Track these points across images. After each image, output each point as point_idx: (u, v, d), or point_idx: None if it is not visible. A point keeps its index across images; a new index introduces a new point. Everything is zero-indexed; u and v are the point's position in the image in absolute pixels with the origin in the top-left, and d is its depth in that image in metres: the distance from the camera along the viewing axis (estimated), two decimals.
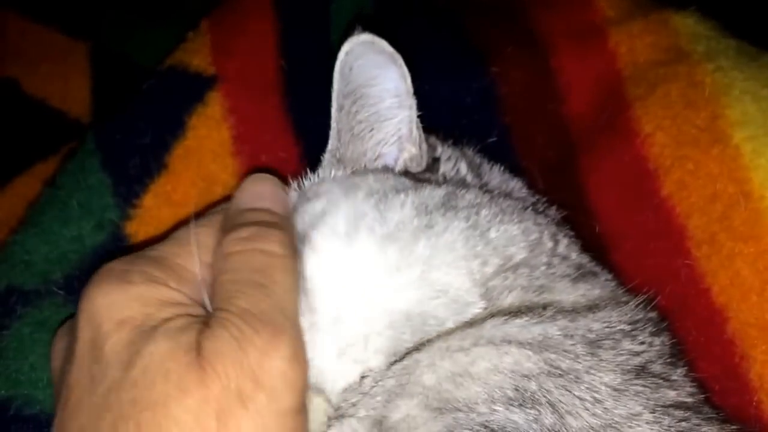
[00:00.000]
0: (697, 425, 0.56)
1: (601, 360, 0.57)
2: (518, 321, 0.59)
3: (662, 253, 0.73)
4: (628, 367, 0.57)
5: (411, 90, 0.67)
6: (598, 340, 0.58)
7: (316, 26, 0.94)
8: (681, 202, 0.72)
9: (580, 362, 0.57)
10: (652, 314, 0.64)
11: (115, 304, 0.54)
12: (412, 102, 0.67)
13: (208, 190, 0.83)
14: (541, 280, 0.63)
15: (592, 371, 0.56)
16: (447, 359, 0.58)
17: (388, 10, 0.99)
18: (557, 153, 0.84)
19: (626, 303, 0.63)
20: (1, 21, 1.21)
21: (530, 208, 0.70)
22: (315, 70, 0.91)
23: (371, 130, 0.69)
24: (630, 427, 0.54)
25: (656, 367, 0.59)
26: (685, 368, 0.63)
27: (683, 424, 0.55)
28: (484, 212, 0.64)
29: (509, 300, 0.62)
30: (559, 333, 0.58)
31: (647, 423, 0.54)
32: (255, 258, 0.57)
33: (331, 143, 0.71)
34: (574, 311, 0.60)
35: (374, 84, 0.67)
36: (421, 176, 0.70)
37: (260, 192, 0.64)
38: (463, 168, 0.74)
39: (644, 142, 0.76)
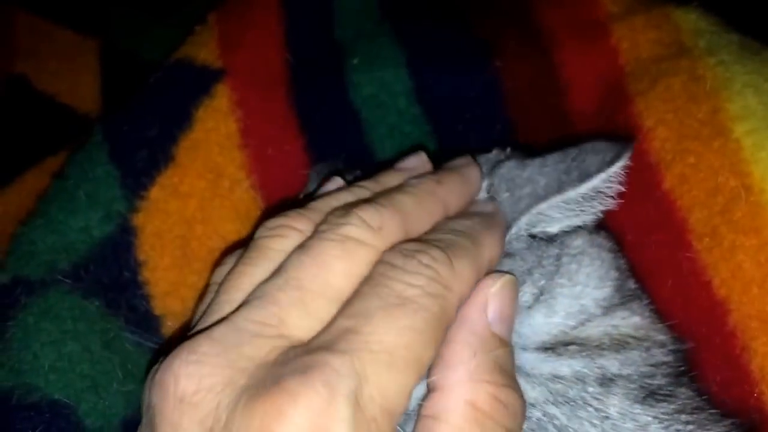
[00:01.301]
0: (704, 425, 0.57)
1: (611, 391, 0.58)
2: (533, 356, 0.61)
3: (663, 246, 0.73)
4: (638, 395, 0.59)
5: None
6: (612, 379, 0.59)
7: (320, 20, 0.95)
8: (682, 195, 0.72)
9: (588, 392, 0.58)
10: (674, 352, 0.66)
11: None
12: None
13: (215, 182, 0.84)
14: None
15: (601, 396, 0.58)
16: None
17: (392, 4, 1.00)
18: (560, 147, 0.85)
19: (655, 342, 0.64)
20: (11, 18, 1.23)
21: None
22: (319, 63, 0.92)
23: None
24: None
25: (663, 391, 0.60)
26: (689, 381, 0.64)
27: (690, 427, 0.56)
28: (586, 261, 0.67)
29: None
30: (569, 374, 0.59)
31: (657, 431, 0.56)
32: None
33: None
34: (597, 347, 0.61)
35: None
36: None
37: (508, 314, 0.54)
38: None
39: (646, 136, 0.76)
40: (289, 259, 0.49)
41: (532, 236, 0.67)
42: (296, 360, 0.43)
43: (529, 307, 0.62)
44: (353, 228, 0.49)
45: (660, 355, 0.64)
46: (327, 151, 0.87)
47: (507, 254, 0.62)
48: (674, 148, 0.74)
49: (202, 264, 0.84)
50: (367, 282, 0.48)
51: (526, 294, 0.61)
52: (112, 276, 0.79)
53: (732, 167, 0.69)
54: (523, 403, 0.50)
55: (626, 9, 0.87)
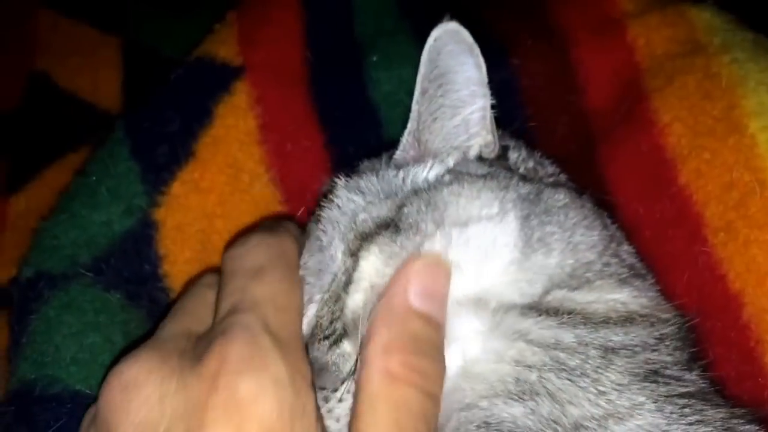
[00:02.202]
0: (701, 410, 0.57)
1: (612, 363, 0.59)
2: (535, 320, 0.62)
3: (679, 241, 0.74)
4: (639, 371, 0.59)
5: (486, 80, 0.70)
6: (615, 349, 0.60)
7: (339, 18, 0.96)
8: (698, 190, 0.73)
9: (589, 363, 0.59)
10: (679, 325, 0.66)
11: None
12: (486, 91, 0.70)
13: (235, 177, 0.86)
14: (593, 279, 0.66)
15: (600, 370, 0.58)
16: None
17: (411, 2, 1.01)
18: (577, 144, 0.86)
19: (659, 320, 0.65)
20: (33, 15, 1.24)
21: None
22: (339, 61, 0.93)
23: (452, 116, 0.71)
24: (632, 416, 0.56)
25: (669, 371, 0.61)
26: (700, 369, 0.64)
27: (686, 410, 0.57)
28: (571, 214, 0.68)
29: (550, 297, 0.64)
30: (573, 340, 0.61)
31: (650, 411, 0.56)
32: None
33: (411, 124, 0.72)
34: (603, 322, 0.62)
35: (458, 71, 0.69)
36: (501, 163, 0.73)
37: (435, 290, 0.61)
38: (527, 156, 0.77)
39: (662, 132, 0.77)
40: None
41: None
42: (212, 332, 0.58)
43: (525, 246, 0.64)
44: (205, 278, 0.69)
45: (665, 329, 0.64)
46: (346, 147, 0.88)
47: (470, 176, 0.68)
48: (690, 144, 0.74)
49: (221, 258, 0.85)
50: (225, 274, 0.64)
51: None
52: (133, 269, 0.81)
53: (747, 163, 0.70)
54: (442, 369, 0.58)
55: (642, 7, 0.88)
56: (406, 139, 0.73)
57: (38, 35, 1.23)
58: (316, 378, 0.61)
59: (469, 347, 0.61)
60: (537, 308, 0.63)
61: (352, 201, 0.70)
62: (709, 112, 0.74)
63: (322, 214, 0.72)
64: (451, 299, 0.62)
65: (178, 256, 0.83)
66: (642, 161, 0.78)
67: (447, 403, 0.59)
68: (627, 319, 0.64)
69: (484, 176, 0.68)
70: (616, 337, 0.61)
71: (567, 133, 0.87)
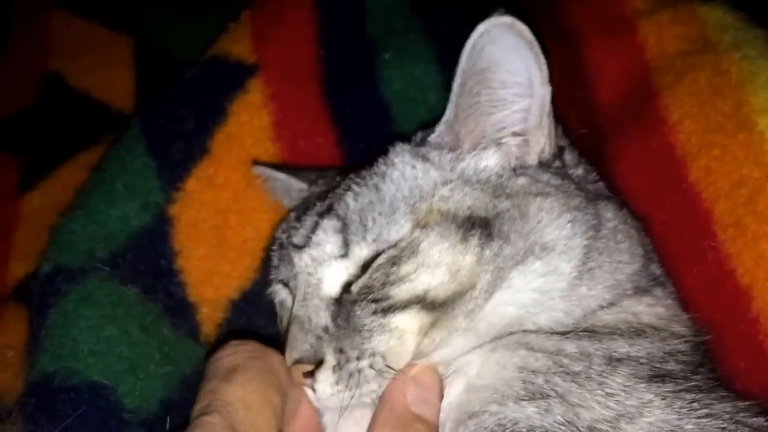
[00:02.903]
0: (709, 404, 0.58)
1: (616, 370, 0.60)
2: (536, 335, 0.64)
3: (689, 236, 0.74)
4: (644, 375, 0.60)
5: (542, 79, 0.67)
6: (620, 359, 0.62)
7: (352, 16, 0.97)
8: (707, 187, 0.73)
9: (593, 369, 0.60)
10: (692, 342, 0.67)
11: None
12: (539, 91, 0.68)
13: (249, 174, 0.87)
14: (618, 301, 0.68)
15: (605, 375, 0.60)
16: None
17: (422, 1, 1.02)
18: (586, 140, 0.86)
19: (672, 334, 0.66)
20: (46, 16, 1.26)
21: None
22: (351, 58, 0.94)
23: (490, 114, 0.70)
24: (642, 415, 0.57)
25: (675, 375, 0.62)
26: (709, 373, 0.65)
27: (695, 405, 0.58)
28: (620, 237, 0.71)
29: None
30: (575, 350, 0.62)
31: (659, 408, 0.57)
32: None
33: (448, 114, 0.71)
34: (609, 333, 0.64)
35: (502, 69, 0.67)
36: (560, 170, 0.73)
37: (428, 396, 0.64)
38: (577, 160, 0.78)
39: (672, 130, 0.77)
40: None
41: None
42: None
43: (577, 277, 0.66)
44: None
45: (676, 344, 0.65)
46: (358, 144, 0.89)
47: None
48: (700, 141, 0.75)
49: (236, 253, 0.86)
50: (204, 376, 0.64)
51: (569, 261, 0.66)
52: (148, 264, 0.82)
53: (756, 159, 0.70)
54: None
55: (653, 5, 0.88)
56: (441, 127, 0.72)
57: (51, 36, 1.24)
58: (340, 337, 0.63)
59: (471, 367, 0.63)
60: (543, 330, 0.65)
61: (414, 167, 0.70)
62: (719, 109, 0.74)
63: (380, 166, 0.72)
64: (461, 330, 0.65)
65: (193, 252, 0.84)
66: (652, 158, 0.79)
67: (454, 415, 0.60)
68: (637, 332, 0.65)
69: (557, 189, 0.69)
70: (622, 348, 0.63)
71: (576, 130, 0.88)
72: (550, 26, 0.91)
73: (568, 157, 0.76)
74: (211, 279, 0.85)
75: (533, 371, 0.60)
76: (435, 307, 0.64)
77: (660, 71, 0.83)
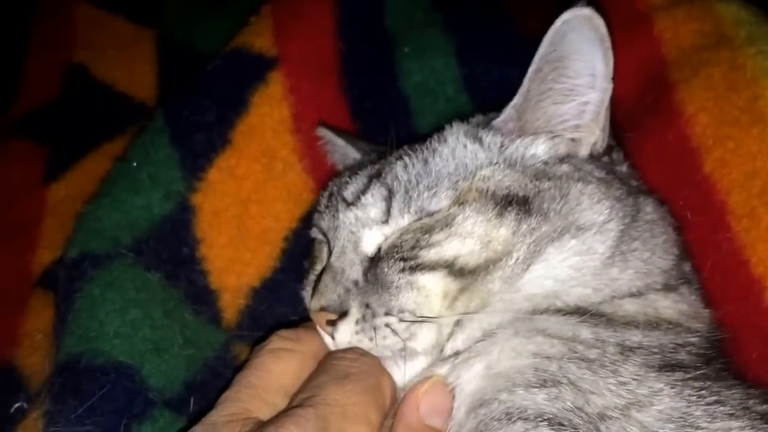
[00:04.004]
0: (718, 392, 0.59)
1: (629, 359, 0.61)
2: (556, 319, 0.65)
3: (704, 228, 0.75)
4: (655, 364, 0.61)
5: (610, 75, 0.69)
6: (633, 348, 0.62)
7: (371, 10, 0.99)
8: (722, 178, 0.74)
9: (607, 356, 0.61)
10: (708, 338, 0.67)
11: None
12: (606, 86, 0.70)
13: (269, 164, 0.89)
14: (646, 292, 0.69)
15: (618, 363, 0.60)
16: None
17: None
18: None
19: (688, 329, 0.67)
20: (71, 9, 1.28)
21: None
22: (370, 52, 0.96)
23: (560, 103, 0.71)
24: (652, 403, 0.57)
25: (685, 365, 0.62)
26: (721, 365, 0.65)
27: (704, 392, 0.58)
28: (657, 231, 0.71)
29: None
30: (591, 336, 0.63)
31: (669, 396, 0.58)
32: None
33: (517, 99, 0.72)
34: (625, 324, 0.65)
35: (578, 59, 0.69)
36: (607, 165, 0.74)
37: (440, 407, 0.65)
38: (623, 159, 0.78)
39: (687, 123, 0.78)
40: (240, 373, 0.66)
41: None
42: (269, 422, 0.58)
43: (609, 257, 0.67)
44: (277, 341, 0.67)
45: (689, 338, 0.66)
46: (376, 137, 0.90)
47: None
48: (715, 133, 0.76)
49: (256, 242, 0.88)
50: (316, 370, 0.65)
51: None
52: (171, 251, 0.84)
53: None
54: None
55: (669, 1, 0.89)
56: (509, 111, 0.73)
57: (76, 29, 1.27)
58: (368, 292, 0.66)
59: (490, 354, 0.64)
60: (566, 310, 0.66)
61: (466, 147, 0.72)
62: (734, 103, 0.75)
63: (433, 142, 0.73)
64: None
65: (215, 240, 0.86)
66: (668, 151, 0.80)
67: (468, 402, 0.61)
68: (653, 325, 0.66)
69: (600, 180, 0.70)
70: (635, 337, 0.63)
71: None
72: None
73: (615, 155, 0.77)
74: (232, 267, 0.87)
75: (547, 357, 0.61)
76: (464, 273, 0.65)
77: (676, 65, 0.83)
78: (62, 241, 0.87)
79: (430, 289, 0.66)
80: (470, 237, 0.66)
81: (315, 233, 0.79)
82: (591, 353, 0.61)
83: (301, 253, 0.86)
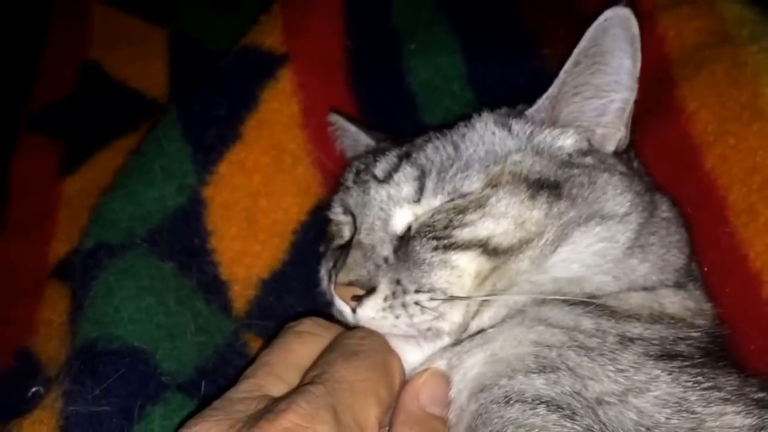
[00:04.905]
0: (714, 378, 0.61)
1: (628, 348, 0.63)
2: (560, 309, 0.66)
3: (705, 223, 0.77)
4: (653, 354, 0.63)
5: (638, 75, 0.72)
6: (632, 339, 0.64)
7: (379, 8, 1.01)
8: (722, 174, 0.75)
9: (606, 345, 0.63)
10: (709, 334, 0.69)
11: None
12: (635, 86, 0.73)
13: (278, 158, 0.91)
14: (659, 287, 0.71)
15: (618, 352, 0.62)
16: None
17: None
18: None
19: (690, 324, 0.68)
20: (86, 8, 1.31)
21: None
22: (377, 49, 0.98)
23: (594, 96, 0.74)
24: (649, 389, 0.59)
25: (683, 355, 0.64)
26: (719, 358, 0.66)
27: (700, 378, 0.60)
28: (673, 229, 0.74)
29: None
30: (592, 326, 0.65)
31: (666, 383, 0.60)
32: None
33: (552, 90, 0.74)
34: (627, 317, 0.66)
35: (615, 56, 0.72)
36: (628, 162, 0.77)
37: (439, 396, 0.67)
38: (635, 155, 0.81)
39: (689, 119, 0.80)
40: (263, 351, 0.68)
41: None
42: (281, 398, 0.59)
43: (630, 248, 0.70)
44: (307, 324, 0.69)
45: (690, 332, 0.67)
46: (384, 131, 0.92)
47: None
48: (716, 130, 0.77)
49: (266, 234, 0.90)
50: (326, 348, 0.66)
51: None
52: (183, 243, 0.86)
53: None
54: None
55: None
56: (543, 101, 0.75)
57: (91, 27, 1.29)
58: (398, 269, 0.67)
59: (495, 342, 0.66)
60: (573, 300, 0.67)
61: (494, 133, 0.74)
62: (736, 99, 0.77)
63: (460, 128, 0.76)
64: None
65: (225, 232, 0.88)
66: (670, 146, 0.81)
67: (471, 386, 0.63)
68: (655, 318, 0.67)
69: (623, 174, 0.73)
70: (636, 329, 0.65)
71: None
72: (568, 19, 0.94)
73: (631, 153, 0.80)
74: (242, 258, 0.89)
75: (547, 346, 0.63)
76: (497, 253, 0.68)
77: (679, 63, 0.85)
78: (76, 234, 0.90)
79: (464, 268, 0.68)
80: (504, 217, 0.68)
81: (335, 213, 0.80)
82: (591, 342, 0.63)
83: (309, 245, 0.88)
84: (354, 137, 0.91)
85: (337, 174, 0.88)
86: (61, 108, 1.22)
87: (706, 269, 0.76)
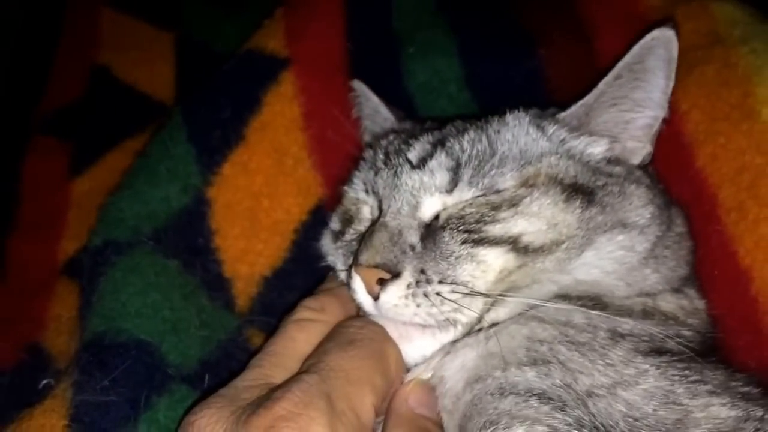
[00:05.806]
0: (700, 371, 0.63)
1: (618, 344, 0.65)
2: (552, 306, 0.68)
3: (696, 221, 0.78)
4: (643, 350, 0.65)
5: (669, 95, 0.76)
6: (624, 334, 0.66)
7: (379, 12, 1.03)
8: (713, 173, 0.77)
9: (597, 340, 0.65)
10: (701, 333, 0.71)
11: None
12: (666, 106, 0.76)
13: (280, 160, 0.93)
14: (661, 293, 0.74)
15: (608, 347, 0.64)
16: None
17: None
18: None
19: (682, 323, 0.71)
20: (95, 13, 1.33)
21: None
22: (377, 53, 1.00)
23: (629, 110, 0.77)
24: (638, 383, 0.61)
25: (671, 351, 0.66)
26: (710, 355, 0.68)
27: (687, 372, 0.62)
28: (684, 244, 0.77)
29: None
30: (584, 321, 0.67)
31: (654, 377, 0.62)
32: None
33: (589, 98, 0.77)
34: (619, 313, 0.68)
35: (655, 75, 0.74)
36: (650, 173, 0.80)
37: (426, 400, 0.68)
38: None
39: (681, 119, 0.81)
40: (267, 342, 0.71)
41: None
42: (278, 387, 0.61)
43: (645, 257, 0.72)
44: (301, 311, 0.72)
45: (680, 330, 0.69)
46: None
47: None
48: (706, 129, 0.78)
49: (268, 233, 0.92)
50: (325, 337, 0.69)
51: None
52: (188, 241, 0.89)
53: (759, 147, 0.74)
54: None
55: (666, 1, 0.91)
56: (577, 108, 0.77)
57: (100, 32, 1.32)
58: (424, 258, 0.68)
59: (494, 337, 0.68)
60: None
61: (529, 133, 0.76)
62: (726, 99, 0.78)
63: (493, 123, 0.78)
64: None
65: (229, 232, 0.91)
66: (662, 146, 0.82)
67: (466, 377, 0.65)
68: (647, 315, 0.70)
69: (648, 187, 0.76)
70: (627, 325, 0.67)
71: None
72: (565, 20, 0.95)
73: (652, 168, 0.82)
74: (245, 257, 0.91)
75: (539, 340, 0.65)
76: (527, 251, 0.69)
77: None
78: (85, 232, 0.92)
79: (490, 264, 0.69)
80: (538, 218, 0.70)
81: (356, 191, 0.81)
82: (581, 337, 0.65)
83: (310, 244, 0.90)
84: (374, 108, 0.92)
85: (354, 155, 0.90)
86: (71, 111, 1.25)
87: (697, 266, 0.78)
